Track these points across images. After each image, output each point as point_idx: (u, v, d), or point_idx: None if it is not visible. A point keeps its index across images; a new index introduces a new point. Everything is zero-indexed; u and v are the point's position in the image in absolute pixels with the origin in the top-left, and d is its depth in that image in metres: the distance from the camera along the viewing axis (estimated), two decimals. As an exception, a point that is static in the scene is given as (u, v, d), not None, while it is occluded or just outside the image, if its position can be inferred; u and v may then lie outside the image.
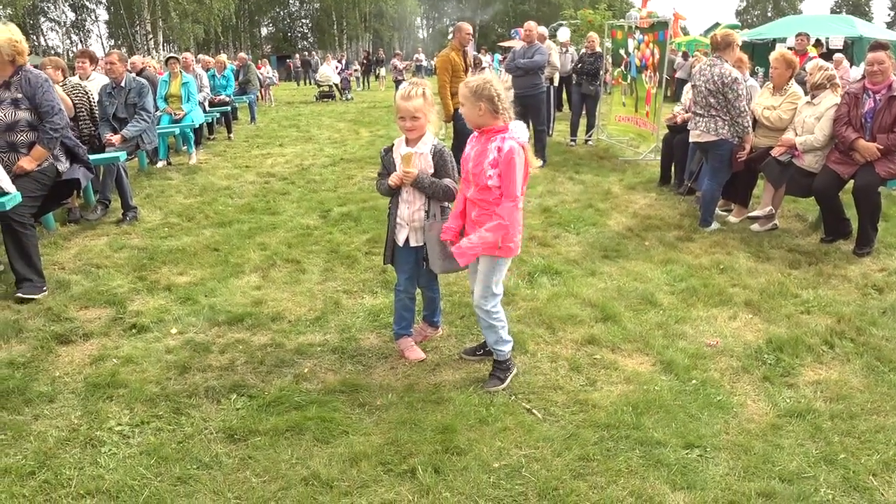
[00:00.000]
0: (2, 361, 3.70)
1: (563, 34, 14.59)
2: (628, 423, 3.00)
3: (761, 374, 3.50)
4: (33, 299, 4.54)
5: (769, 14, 69.23)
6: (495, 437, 2.93)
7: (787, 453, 2.80)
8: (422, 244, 3.52)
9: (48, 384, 3.46)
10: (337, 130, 14.07)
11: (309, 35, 60.70)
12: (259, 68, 22.27)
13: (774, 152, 5.89)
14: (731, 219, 6.42)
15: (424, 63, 33.76)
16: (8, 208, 4.44)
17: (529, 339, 3.87)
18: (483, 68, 17.10)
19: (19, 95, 4.69)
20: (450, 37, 11.39)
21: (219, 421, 3.09)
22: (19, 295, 4.52)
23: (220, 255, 5.55)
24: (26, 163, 4.72)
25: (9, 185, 4.43)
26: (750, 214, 6.29)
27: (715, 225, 6.16)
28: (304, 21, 61.50)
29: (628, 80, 10.62)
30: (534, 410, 3.15)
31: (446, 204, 3.52)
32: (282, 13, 60.44)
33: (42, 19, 46.33)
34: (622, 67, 10.81)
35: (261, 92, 20.32)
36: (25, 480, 2.69)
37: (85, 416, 3.16)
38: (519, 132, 3.15)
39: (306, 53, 33.58)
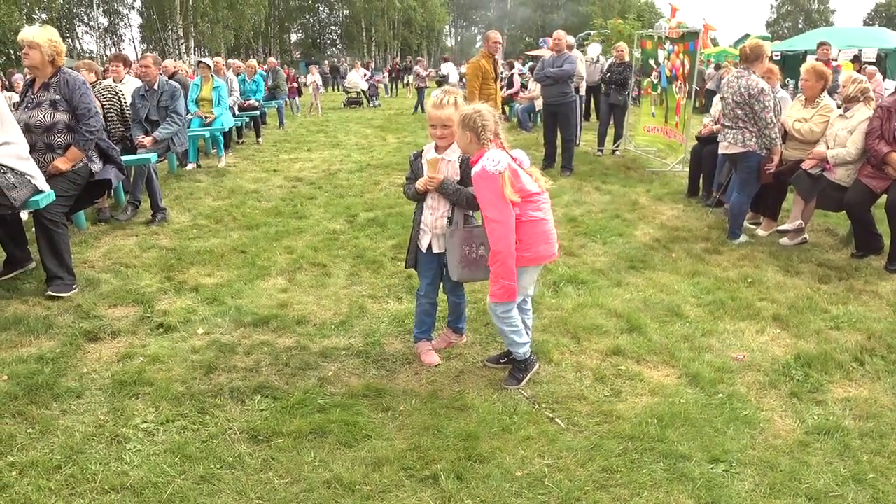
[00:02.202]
0: (31, 357, 3.76)
1: (594, 50, 14.54)
2: (653, 436, 2.97)
3: (789, 389, 3.45)
4: (63, 297, 4.61)
5: (800, 26, 68.44)
6: (518, 446, 2.92)
7: (814, 471, 2.75)
8: (444, 251, 3.53)
9: (76, 380, 3.51)
10: (364, 136, 14.15)
11: (338, 42, 61.20)
12: (309, 73, 21.83)
13: (805, 165, 5.82)
14: (760, 232, 6.35)
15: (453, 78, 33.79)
16: (42, 206, 4.53)
17: (554, 349, 3.85)
18: (512, 74, 17.10)
19: (58, 97, 4.80)
20: (478, 45, 11.42)
21: (242, 421, 3.11)
22: (49, 293, 4.60)
23: (247, 257, 5.60)
24: (61, 163, 4.82)
25: (43, 184, 4.52)
26: (779, 228, 6.22)
27: (743, 238, 6.09)
28: (333, 28, 62.06)
29: (658, 91, 10.56)
30: (557, 420, 3.13)
31: (470, 213, 3.52)
32: (311, 20, 61.05)
33: (77, 23, 47.17)
34: (652, 78, 10.76)
35: (287, 99, 20.53)
36: (52, 474, 2.73)
37: (111, 412, 3.20)
38: (498, 156, 3.10)
39: (335, 60, 33.85)
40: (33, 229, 4.80)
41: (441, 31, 65.59)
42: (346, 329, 4.19)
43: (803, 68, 6.30)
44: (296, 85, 21.30)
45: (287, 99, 17.61)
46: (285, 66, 23.50)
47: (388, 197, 7.91)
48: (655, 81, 10.60)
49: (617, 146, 11.34)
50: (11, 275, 5.02)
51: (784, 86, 11.24)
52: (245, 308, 4.48)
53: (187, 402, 3.28)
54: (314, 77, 21.16)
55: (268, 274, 5.21)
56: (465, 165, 3.42)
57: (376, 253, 5.67)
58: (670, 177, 9.13)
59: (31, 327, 4.14)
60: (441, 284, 3.74)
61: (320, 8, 60.54)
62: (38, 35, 4.72)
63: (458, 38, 72.56)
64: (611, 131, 11.46)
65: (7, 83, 9.89)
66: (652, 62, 10.72)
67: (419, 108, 19.83)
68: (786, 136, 6.14)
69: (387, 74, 31.91)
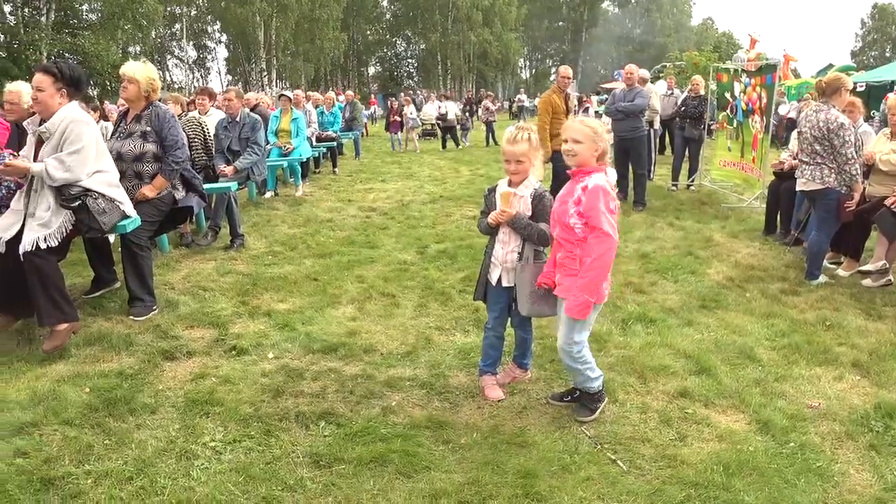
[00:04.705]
0: (112, 371, 3.97)
1: (661, 87, 14.37)
2: (718, 484, 2.88)
3: (867, 441, 3.28)
4: (141, 320, 4.84)
5: (888, 54, 65.59)
6: (578, 487, 2.88)
7: (893, 529, 2.61)
8: (513, 285, 3.54)
9: (152, 396, 3.67)
10: (438, 168, 14.35)
11: (414, 74, 62.45)
12: (406, 104, 19.79)
13: (889, 202, 5.57)
14: (841, 272, 6.09)
15: (527, 104, 33.99)
16: (128, 230, 4.78)
17: (619, 388, 3.79)
18: (586, 109, 17.06)
19: (148, 129, 5.10)
20: (552, 78, 11.49)
21: (306, 446, 3.18)
22: (131, 317, 4.84)
23: (319, 284, 5.74)
24: (148, 190, 5.09)
25: (131, 210, 4.77)
26: (861, 269, 5.95)
27: (822, 278, 5.86)
28: (409, 61, 63.37)
29: (734, 125, 10.35)
30: (619, 462, 3.08)
31: (541, 248, 3.54)
32: (389, 53, 62.52)
33: (168, 56, 49.82)
34: (728, 111, 10.55)
35: (366, 128, 20.84)
36: (124, 485, 2.87)
37: (182, 429, 3.33)
38: (610, 175, 3.21)
39: (411, 92, 34.53)
40: (120, 251, 5.07)
41: (516, 64, 66.05)
42: (411, 360, 4.23)
43: (889, 103, 6.07)
44: (398, 118, 19.16)
45: (364, 130, 17.76)
46: (392, 99, 23.14)
47: (460, 229, 7.98)
48: (731, 115, 10.40)
49: (692, 181, 11.13)
50: (98, 293, 5.31)
51: (869, 118, 10.80)
52: (315, 335, 4.59)
53: (254, 424, 3.38)
54: (409, 110, 19.62)
55: (338, 302, 5.32)
56: (538, 201, 3.45)
57: (445, 285, 5.72)
58: (747, 213, 8.89)
59: (113, 344, 4.36)
60: (509, 319, 3.75)
61: (397, 42, 62.01)
62: (139, 72, 5.05)
63: (532, 71, 72.88)
64: (685, 165, 11.27)
65: (103, 113, 10.51)
66: (728, 95, 10.52)
67: (489, 140, 19.99)
68: (869, 171, 5.91)
69: (461, 106, 32.36)
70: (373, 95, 47.59)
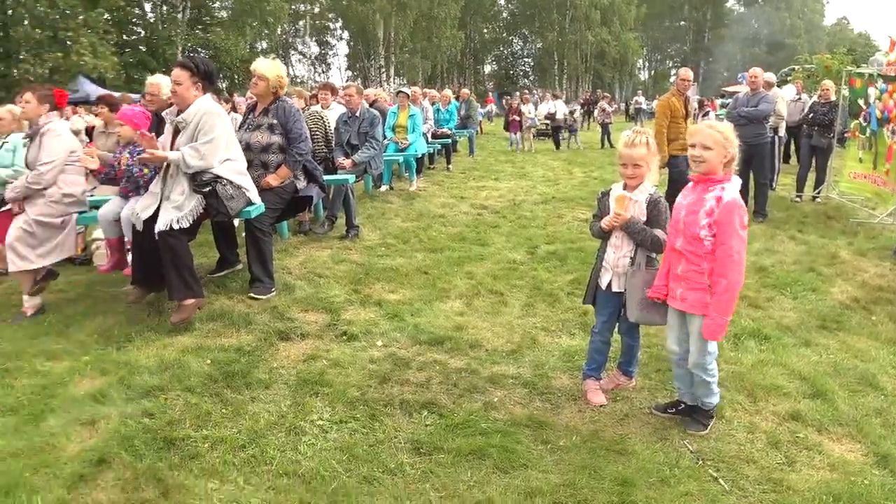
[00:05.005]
0: (231, 347, 4.24)
1: (788, 92, 13.56)
2: (829, 512, 2.74)
3: None
4: (263, 299, 5.12)
5: None
6: (676, 501, 2.82)
7: None
8: (623, 290, 3.50)
9: (266, 373, 3.91)
10: (551, 169, 14.26)
11: (530, 73, 62.10)
12: (524, 103, 19.15)
13: None
14: None
15: (644, 106, 33.13)
16: (253, 216, 5.07)
17: (727, 405, 3.66)
18: (706, 113, 16.45)
19: (274, 122, 5.42)
20: (671, 80, 11.17)
21: (408, 432, 3.28)
22: (251, 294, 5.13)
23: (429, 278, 5.86)
24: (272, 179, 5.39)
25: (256, 197, 5.05)
26: None
27: (963, 306, 5.41)
28: (525, 60, 63.00)
29: (867, 134, 9.67)
30: (721, 480, 2.98)
31: (653, 255, 3.48)
32: (505, 52, 62.44)
33: (292, 52, 52.07)
34: (860, 119, 9.88)
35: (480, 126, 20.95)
36: (236, 451, 3.09)
37: (293, 406, 3.52)
38: (737, 185, 3.11)
39: (526, 91, 34.36)
40: (243, 235, 5.38)
41: (634, 65, 64.41)
42: (516, 358, 4.26)
43: None
44: (517, 118, 18.32)
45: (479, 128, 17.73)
46: (507, 97, 22.54)
47: (571, 231, 7.91)
48: (864, 123, 9.73)
49: (818, 192, 10.51)
50: (222, 273, 5.67)
51: None
52: (423, 326, 4.70)
53: (360, 407, 3.52)
54: (527, 109, 18.98)
55: (447, 296, 5.41)
56: (653, 206, 3.40)
57: (553, 286, 5.70)
58: (878, 230, 8.31)
59: (233, 321, 4.66)
60: (617, 325, 3.71)
61: (514, 41, 61.78)
62: (269, 69, 5.38)
63: (651, 72, 70.84)
64: (811, 176, 10.65)
65: (233, 105, 11.13)
66: (861, 102, 9.85)
67: (604, 142, 19.60)
68: None
69: (578, 108, 31.92)
70: (489, 93, 47.78)
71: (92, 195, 5.78)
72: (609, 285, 3.55)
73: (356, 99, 8.11)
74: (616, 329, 3.74)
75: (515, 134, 18.66)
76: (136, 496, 2.79)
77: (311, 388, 3.73)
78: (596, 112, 23.78)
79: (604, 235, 3.56)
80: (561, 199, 10.19)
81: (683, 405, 3.49)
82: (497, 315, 5.03)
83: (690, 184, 3.26)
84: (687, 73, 8.61)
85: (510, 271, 6.15)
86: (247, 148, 5.30)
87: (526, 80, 59.86)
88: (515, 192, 10.85)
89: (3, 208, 5.24)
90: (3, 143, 5.83)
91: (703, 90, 41.45)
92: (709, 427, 3.39)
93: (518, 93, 27.14)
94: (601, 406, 3.62)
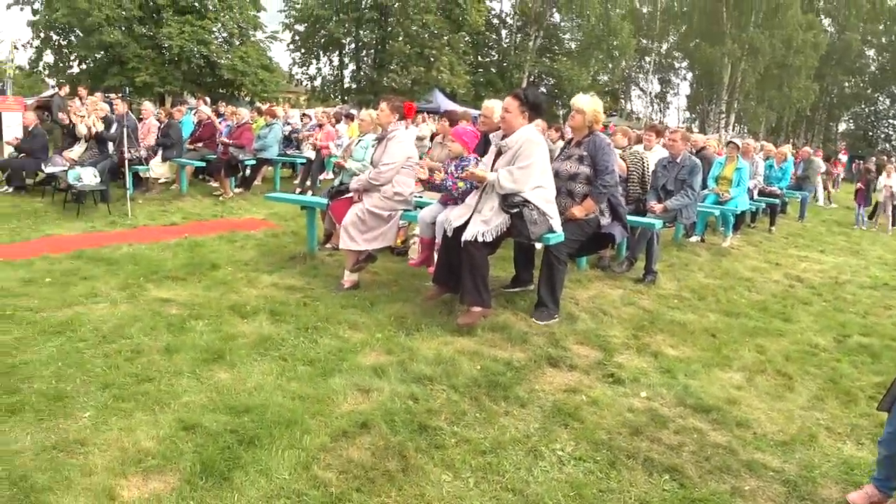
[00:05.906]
0: (502, 359, 4.53)
1: None
2: None
3: None
4: (542, 325, 5.34)
5: None
6: None
7: None
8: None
9: (527, 392, 4.10)
10: (893, 251, 12.40)
11: (892, 136, 53.53)
12: (889, 173, 15.19)
13: None
14: None
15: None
16: (551, 243, 5.31)
17: None
18: None
19: (584, 153, 5.67)
20: None
21: (642, 491, 3.20)
22: (533, 319, 5.39)
23: (716, 342, 5.55)
24: (577, 210, 5.60)
25: (557, 226, 5.27)
26: None
27: None
28: (892, 122, 54.32)
29: None
30: None
31: None
32: (866, 110, 54.61)
33: (633, 87, 52.13)
34: None
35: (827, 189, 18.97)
36: (476, 455, 3.33)
37: (540, 429, 3.65)
38: None
39: (885, 157, 29.75)
40: (541, 259, 5.65)
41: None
42: (784, 451, 3.85)
43: None
44: (863, 187, 15.55)
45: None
46: (860, 161, 19.65)
47: (897, 327, 6.86)
48: None
49: None
50: (514, 290, 6.04)
51: None
52: (693, 389, 4.48)
53: (603, 451, 3.51)
54: (889, 181, 15.01)
55: (728, 365, 5.08)
56: None
57: (855, 384, 5.00)
58: None
59: (511, 336, 4.95)
60: None
61: (879, 98, 53.60)
62: (587, 104, 5.68)
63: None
64: None
65: (562, 134, 11.56)
66: None
67: None
68: None
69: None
70: (840, 155, 42.71)
71: (420, 196, 6.57)
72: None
73: (679, 145, 7.95)
74: None
75: (861, 208, 15.38)
76: (382, 464, 3.18)
77: (563, 418, 3.81)
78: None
79: None
80: (895, 288, 8.83)
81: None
82: (778, 399, 4.58)
83: None
84: None
85: (808, 355, 5.53)
86: (555, 175, 5.55)
87: (888, 145, 51.93)
88: (841, 270, 9.64)
89: (346, 195, 6.21)
90: (360, 140, 6.95)
91: None
92: None
93: (874, 157, 23.49)
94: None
